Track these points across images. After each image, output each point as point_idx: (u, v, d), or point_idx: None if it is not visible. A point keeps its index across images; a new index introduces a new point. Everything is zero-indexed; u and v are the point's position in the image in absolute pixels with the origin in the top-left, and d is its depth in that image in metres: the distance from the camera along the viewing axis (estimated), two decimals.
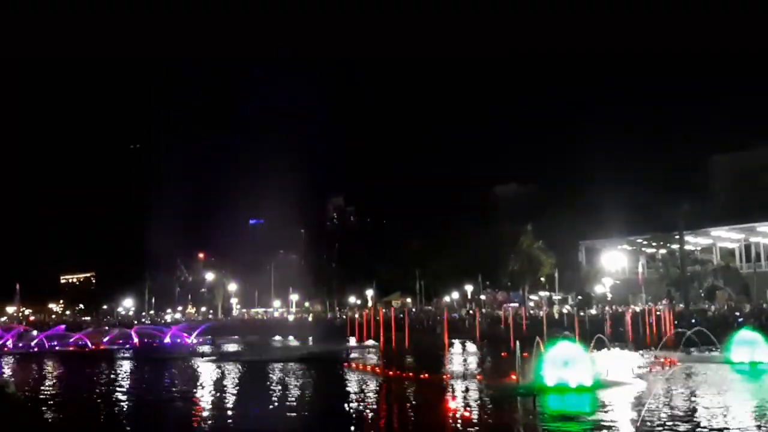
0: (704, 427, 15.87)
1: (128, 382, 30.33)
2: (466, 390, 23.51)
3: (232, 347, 53.49)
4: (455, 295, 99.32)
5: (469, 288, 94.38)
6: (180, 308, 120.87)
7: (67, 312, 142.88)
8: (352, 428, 17.10)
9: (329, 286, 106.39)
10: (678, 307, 63.04)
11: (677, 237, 71.32)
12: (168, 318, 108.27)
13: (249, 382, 28.53)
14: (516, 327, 52.69)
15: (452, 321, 71.13)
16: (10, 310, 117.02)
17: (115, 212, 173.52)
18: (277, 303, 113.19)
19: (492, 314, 74.13)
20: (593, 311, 70.69)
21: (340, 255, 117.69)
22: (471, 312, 79.42)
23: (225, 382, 28.57)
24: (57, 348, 52.46)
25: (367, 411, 19.87)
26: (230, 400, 23.00)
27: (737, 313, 53.42)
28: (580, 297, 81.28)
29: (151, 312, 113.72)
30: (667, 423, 16.31)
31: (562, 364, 21.57)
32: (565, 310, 77.71)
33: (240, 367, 34.00)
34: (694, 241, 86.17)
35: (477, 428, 16.77)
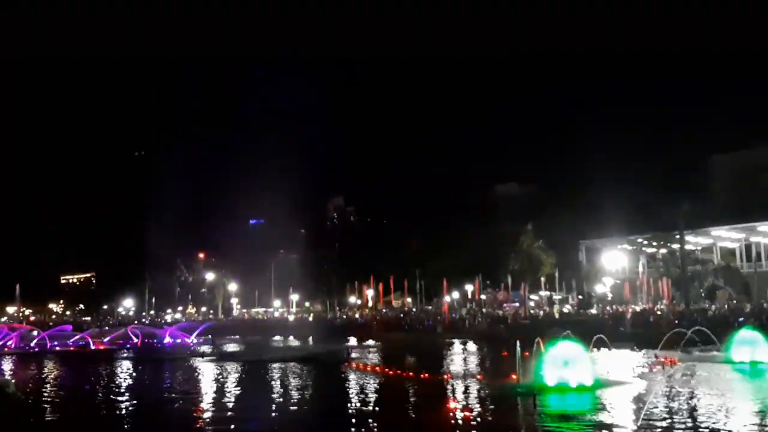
0: (705, 427, 15.87)
1: (128, 382, 30.33)
2: (467, 390, 23.50)
3: (232, 347, 53.48)
4: (455, 294, 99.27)
5: (469, 288, 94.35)
6: (180, 308, 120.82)
7: (68, 312, 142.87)
8: (353, 428, 17.09)
9: (329, 285, 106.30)
10: (679, 306, 63.04)
11: (678, 236, 71.30)
12: (168, 318, 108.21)
13: (249, 382, 28.52)
14: (516, 326, 52.74)
15: (452, 321, 71.27)
16: (11, 310, 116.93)
17: (115, 212, 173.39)
18: (277, 303, 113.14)
19: (492, 314, 74.12)
20: (593, 311, 70.75)
21: (340, 255, 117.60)
22: (471, 312, 79.47)
23: (225, 382, 28.58)
24: (57, 348, 52.50)
25: (368, 411, 19.86)
26: (230, 400, 22.99)
27: (738, 313, 53.36)
28: (580, 296, 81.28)
29: (152, 312, 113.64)
30: (668, 422, 16.31)
31: (563, 364, 21.57)
32: (565, 310, 77.78)
33: (240, 367, 33.99)
34: (694, 241, 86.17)
35: (477, 428, 16.77)
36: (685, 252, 72.11)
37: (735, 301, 65.64)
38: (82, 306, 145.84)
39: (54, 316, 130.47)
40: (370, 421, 18.07)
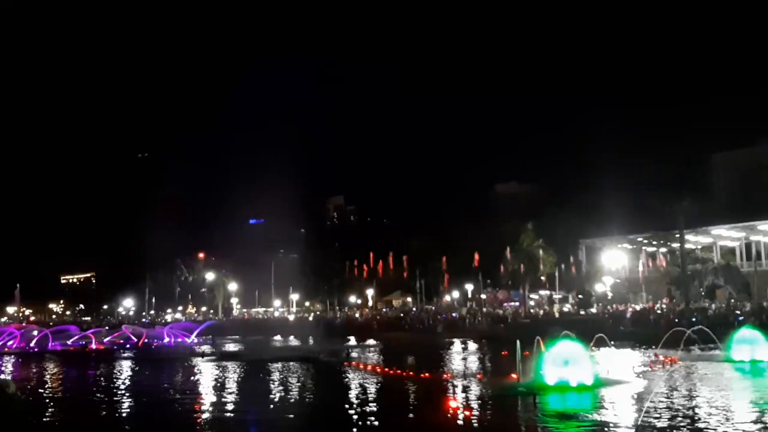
0: (704, 426, 15.87)
1: (128, 381, 30.33)
2: (467, 389, 23.49)
3: (232, 347, 53.46)
4: (455, 294, 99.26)
5: (469, 287, 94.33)
6: (180, 308, 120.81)
7: (68, 312, 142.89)
8: (353, 428, 17.08)
9: (329, 285, 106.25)
10: (679, 306, 62.99)
11: (678, 235, 71.26)
12: (168, 318, 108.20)
13: (249, 382, 28.51)
14: (516, 326, 52.73)
15: (453, 320, 71.26)
16: (11, 310, 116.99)
17: (116, 212, 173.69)
18: (277, 302, 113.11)
19: (492, 313, 74.13)
20: (593, 310, 70.71)
21: (340, 254, 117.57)
22: (471, 311, 79.44)
23: (225, 382, 28.57)
24: (57, 347, 52.51)
25: (368, 410, 19.85)
26: (231, 400, 22.98)
27: (738, 312, 53.32)
28: (580, 296, 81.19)
29: (152, 312, 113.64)
30: (668, 422, 16.31)
31: (563, 363, 21.56)
32: (565, 309, 77.73)
33: (240, 367, 33.99)
34: (694, 240, 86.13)
35: (477, 427, 16.77)
36: (685, 251, 72.05)
37: (735, 300, 65.57)
38: (82, 306, 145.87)
39: (54, 316, 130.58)
40: (371, 420, 18.07)
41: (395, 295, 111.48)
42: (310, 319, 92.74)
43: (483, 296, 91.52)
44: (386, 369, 29.88)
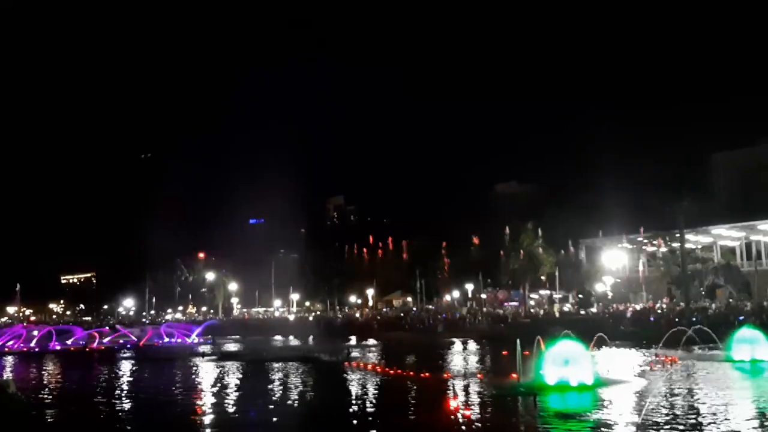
0: (705, 425, 15.87)
1: (128, 381, 30.33)
2: (467, 389, 23.48)
3: (232, 347, 53.47)
4: (456, 294, 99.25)
5: (469, 287, 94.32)
6: (180, 308, 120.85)
7: (68, 312, 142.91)
8: (353, 428, 17.07)
9: (329, 285, 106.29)
10: (679, 305, 62.96)
11: (678, 235, 71.23)
12: (168, 318, 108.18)
13: (249, 382, 28.51)
14: (516, 325, 52.71)
15: (453, 320, 71.25)
16: (11, 310, 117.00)
17: (116, 212, 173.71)
18: (277, 302, 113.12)
19: (493, 313, 74.13)
20: (594, 310, 70.70)
21: (339, 254, 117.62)
22: (472, 311, 79.43)
23: (226, 382, 28.56)
24: (57, 347, 52.56)
25: (368, 410, 19.85)
26: (231, 400, 22.98)
27: (738, 311, 53.30)
28: (580, 296, 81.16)
29: (152, 312, 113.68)
30: (668, 421, 16.30)
31: (563, 363, 21.55)
32: (565, 309, 77.73)
33: (240, 367, 33.99)
34: (694, 240, 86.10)
35: (478, 427, 16.76)
36: (685, 250, 72.01)
37: (735, 300, 65.57)
38: (82, 306, 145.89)
39: (54, 316, 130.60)
40: (371, 420, 18.06)
41: (395, 295, 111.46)
42: (311, 319, 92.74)
43: (483, 296, 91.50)
44: (387, 369, 29.88)
